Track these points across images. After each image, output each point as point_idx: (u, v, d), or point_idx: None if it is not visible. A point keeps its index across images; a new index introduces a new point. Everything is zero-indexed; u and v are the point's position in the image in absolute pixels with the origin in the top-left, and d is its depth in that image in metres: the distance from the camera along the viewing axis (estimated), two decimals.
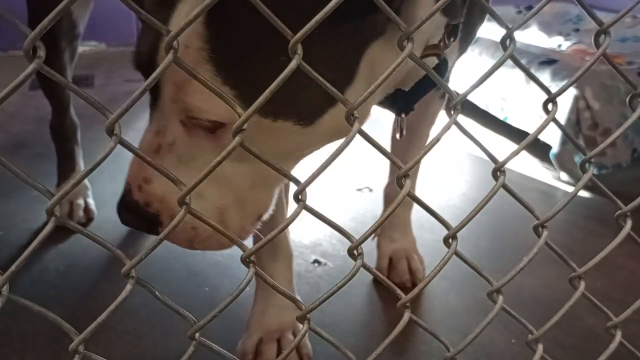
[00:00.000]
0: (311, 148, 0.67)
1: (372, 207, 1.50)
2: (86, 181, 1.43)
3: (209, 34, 0.54)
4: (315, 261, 1.26)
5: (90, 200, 1.42)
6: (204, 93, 0.50)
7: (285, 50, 0.42)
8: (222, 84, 0.55)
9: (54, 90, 1.37)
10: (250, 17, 0.47)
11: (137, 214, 0.64)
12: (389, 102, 0.77)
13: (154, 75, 0.40)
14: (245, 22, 0.54)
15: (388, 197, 1.24)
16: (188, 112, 0.58)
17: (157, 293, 0.46)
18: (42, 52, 0.36)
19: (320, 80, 0.45)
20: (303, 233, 1.35)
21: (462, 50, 0.92)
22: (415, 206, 1.23)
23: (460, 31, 0.81)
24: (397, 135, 0.81)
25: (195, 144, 0.60)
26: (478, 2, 0.50)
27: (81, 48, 1.38)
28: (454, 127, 0.51)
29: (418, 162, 0.50)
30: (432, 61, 0.72)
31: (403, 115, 0.79)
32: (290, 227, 0.71)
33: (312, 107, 0.59)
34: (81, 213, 1.38)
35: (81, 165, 1.41)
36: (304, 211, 0.47)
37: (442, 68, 0.73)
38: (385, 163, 1.27)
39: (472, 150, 1.88)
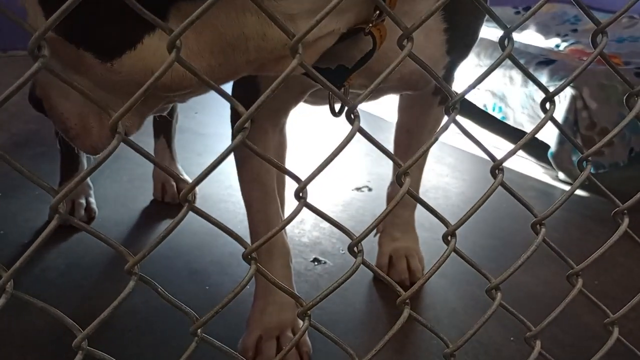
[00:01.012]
0: (124, 91, 0.60)
1: (371, 206, 1.51)
2: (88, 180, 1.44)
3: None
4: (315, 260, 1.26)
5: (92, 200, 1.43)
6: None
7: None
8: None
9: None
10: None
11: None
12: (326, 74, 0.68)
13: (157, 74, 0.40)
14: None
15: (390, 197, 1.24)
16: None
17: (159, 289, 0.47)
18: (46, 51, 0.37)
19: (318, 77, 0.45)
20: (303, 232, 1.36)
21: (459, 53, 0.87)
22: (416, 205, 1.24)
23: (446, 31, 0.79)
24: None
25: None
26: (477, 3, 0.51)
27: None
28: (453, 126, 0.52)
29: (416, 160, 0.51)
30: (367, 43, 0.66)
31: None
32: (288, 226, 0.72)
33: (108, 43, 0.57)
34: (82, 212, 1.38)
35: (85, 164, 1.42)
36: (303, 210, 0.47)
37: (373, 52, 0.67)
38: (387, 163, 1.28)
39: (471, 149, 1.89)
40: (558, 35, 2.25)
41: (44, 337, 0.99)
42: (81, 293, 1.12)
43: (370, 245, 1.23)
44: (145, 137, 1.55)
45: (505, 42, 0.52)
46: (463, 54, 0.89)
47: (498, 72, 1.92)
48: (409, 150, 1.11)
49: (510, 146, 0.51)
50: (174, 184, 1.49)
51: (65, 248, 1.26)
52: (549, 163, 1.78)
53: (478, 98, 2.10)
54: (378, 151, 0.52)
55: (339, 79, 0.70)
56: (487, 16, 0.54)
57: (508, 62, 0.53)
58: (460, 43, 0.84)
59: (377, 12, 0.62)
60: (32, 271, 1.17)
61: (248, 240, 0.85)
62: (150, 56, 0.56)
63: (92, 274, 1.18)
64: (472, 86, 0.53)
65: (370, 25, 0.62)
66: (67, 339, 0.44)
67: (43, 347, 0.97)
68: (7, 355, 0.96)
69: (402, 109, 1.14)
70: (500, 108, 2.02)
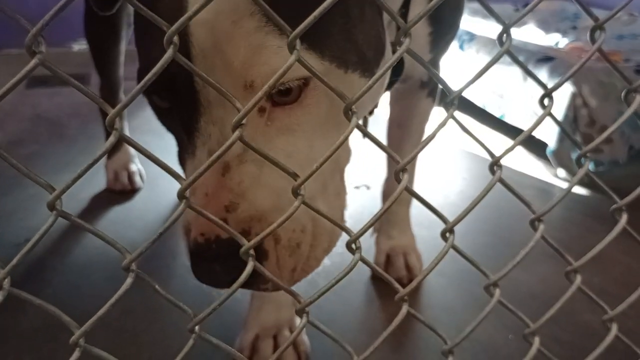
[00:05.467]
0: (370, 105, 0.70)
1: (369, 204, 1.50)
2: (132, 150, 1.55)
3: None
4: None
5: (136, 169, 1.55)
6: (278, 52, 0.49)
7: None
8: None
9: (108, 72, 1.47)
10: None
11: (231, 256, 0.50)
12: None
13: (153, 70, 0.40)
14: None
15: (386, 194, 1.24)
16: (277, 85, 0.51)
17: (156, 287, 0.46)
18: (43, 47, 0.37)
19: (322, 80, 0.45)
20: None
21: (442, 49, 0.95)
22: (414, 204, 1.24)
23: (430, 34, 0.87)
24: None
25: (281, 125, 0.55)
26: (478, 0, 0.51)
27: (77, 46, 1.39)
28: (451, 123, 0.51)
29: (415, 157, 0.51)
30: None
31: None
32: None
33: (372, 58, 0.60)
34: (126, 180, 1.51)
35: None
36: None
37: None
38: (384, 160, 1.27)
39: (469, 147, 1.89)
40: (558, 32, 2.24)
41: (40, 336, 0.98)
42: (78, 291, 1.12)
43: (367, 244, 1.23)
44: (145, 135, 1.55)
45: (503, 38, 0.51)
46: (445, 49, 0.97)
47: (497, 69, 1.92)
48: (401, 143, 1.14)
49: (509, 144, 0.51)
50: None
51: (62, 246, 1.26)
52: (548, 161, 1.78)
53: (477, 96, 2.10)
54: (377, 150, 0.51)
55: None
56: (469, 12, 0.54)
57: (507, 59, 0.52)
58: (442, 40, 0.92)
59: None
60: (28, 270, 1.17)
61: None
62: None
63: (89, 273, 1.18)
64: (470, 83, 0.53)
65: None
66: (63, 337, 0.44)
67: (40, 346, 0.97)
68: (4, 354, 0.96)
69: (393, 102, 1.16)
70: (499, 106, 2.02)
